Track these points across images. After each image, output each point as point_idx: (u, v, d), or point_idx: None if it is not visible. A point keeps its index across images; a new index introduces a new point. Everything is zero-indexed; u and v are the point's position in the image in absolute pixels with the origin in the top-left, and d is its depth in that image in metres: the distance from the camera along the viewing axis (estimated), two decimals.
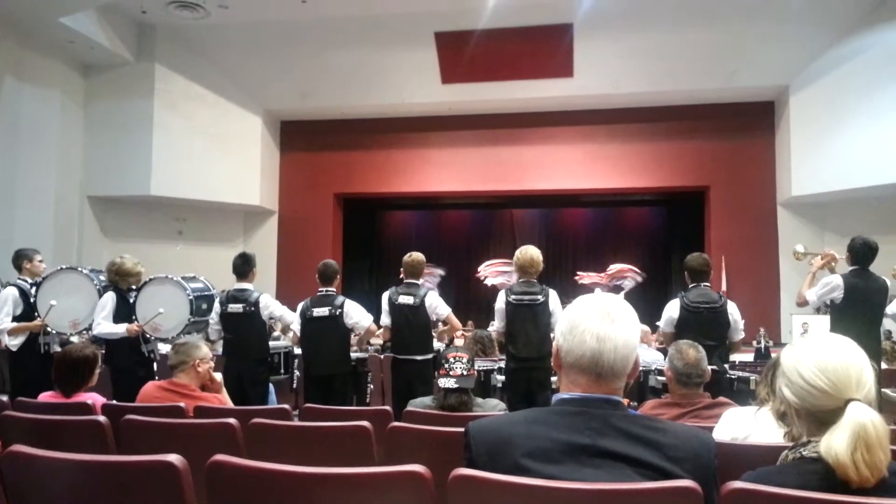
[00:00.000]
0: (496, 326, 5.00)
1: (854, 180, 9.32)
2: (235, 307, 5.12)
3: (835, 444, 1.24)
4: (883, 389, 5.21)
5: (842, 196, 9.71)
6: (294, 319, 5.23)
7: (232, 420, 2.44)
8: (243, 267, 5.28)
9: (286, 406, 3.09)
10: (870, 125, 9.13)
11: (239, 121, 11.25)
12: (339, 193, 12.28)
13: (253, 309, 5.11)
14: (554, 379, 4.81)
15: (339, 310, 5.09)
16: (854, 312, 4.71)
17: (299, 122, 12.14)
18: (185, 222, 11.23)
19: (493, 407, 3.11)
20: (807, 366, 1.36)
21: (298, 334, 5.20)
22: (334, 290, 5.26)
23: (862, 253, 4.81)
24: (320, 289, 5.22)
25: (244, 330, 5.12)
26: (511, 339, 4.86)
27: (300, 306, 5.24)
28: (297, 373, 5.82)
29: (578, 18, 9.51)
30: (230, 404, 3.56)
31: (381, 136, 11.92)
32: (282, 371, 5.80)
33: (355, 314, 5.14)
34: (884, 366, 6.06)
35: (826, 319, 5.18)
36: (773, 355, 1.83)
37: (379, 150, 11.94)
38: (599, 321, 1.41)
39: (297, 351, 5.68)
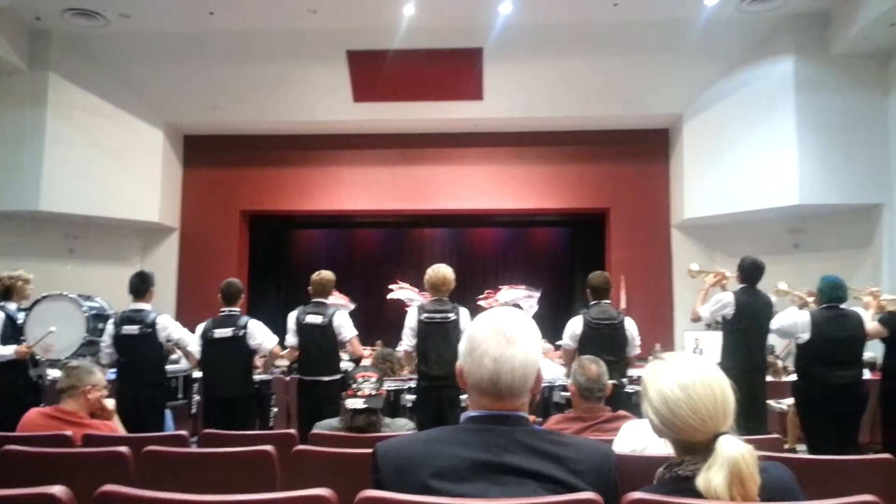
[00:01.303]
0: (404, 345, 4.97)
1: (741, 204, 9.97)
2: (131, 328, 4.85)
3: (713, 481, 1.29)
4: (768, 401, 5.55)
5: (730, 219, 10.36)
6: (194, 341, 5.02)
7: (123, 448, 2.30)
8: (140, 286, 5.03)
9: (183, 432, 2.95)
10: (754, 153, 9.81)
11: (139, 134, 10.76)
12: (246, 211, 11.95)
13: (150, 330, 4.86)
14: (464, 397, 4.83)
15: (243, 330, 4.93)
16: (744, 328, 5.00)
17: (204, 137, 11.75)
18: (77, 240, 10.59)
19: (401, 427, 3.08)
20: (673, 397, 1.38)
21: (197, 356, 4.99)
22: (238, 310, 5.10)
23: (751, 272, 5.12)
24: (223, 309, 5.05)
25: (140, 352, 4.86)
26: (423, 358, 4.85)
27: (201, 327, 5.04)
28: (196, 397, 5.58)
29: (488, 44, 9.74)
30: (122, 432, 3.36)
31: (291, 153, 11.72)
32: (180, 396, 5.54)
33: (259, 335, 4.99)
34: (769, 378, 6.46)
35: (715, 335, 5.47)
36: None
37: (288, 168, 11.73)
38: (496, 343, 1.41)
39: (197, 374, 5.45)
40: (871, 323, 4.65)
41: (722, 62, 10.08)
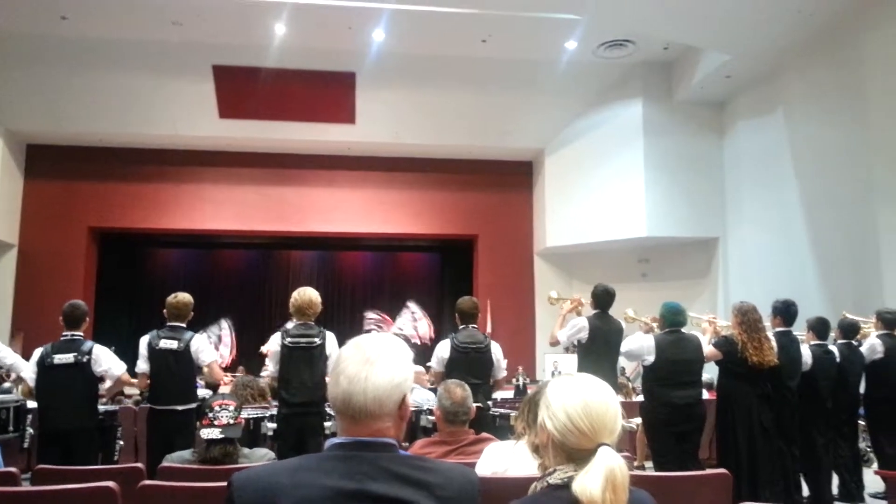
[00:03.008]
0: (269, 371, 4.80)
1: (596, 235, 10.64)
2: None
3: (588, 485, 1.37)
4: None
5: (587, 248, 11.00)
6: (28, 368, 4.56)
7: None
8: None
9: (13, 469, 2.66)
10: (607, 188, 10.53)
11: None
12: (95, 227, 11.11)
13: None
14: (328, 424, 4.72)
15: (87, 356, 4.55)
16: (597, 350, 5.28)
17: (51, 147, 10.84)
18: None
19: (261, 457, 2.96)
20: (573, 406, 1.47)
21: (32, 384, 4.54)
22: (81, 334, 4.70)
23: (602, 298, 5.43)
24: (65, 332, 4.64)
25: None
26: (285, 384, 4.69)
27: (38, 352, 4.60)
28: (30, 430, 5.06)
29: (362, 69, 9.80)
30: None
31: (149, 168, 11.08)
32: (10, 428, 5.00)
33: (106, 361, 4.62)
34: (620, 399, 6.84)
35: (572, 358, 5.74)
36: (529, 392, 1.99)
37: (145, 183, 11.08)
38: (355, 364, 1.41)
39: (32, 404, 4.95)
40: (707, 347, 5.06)
41: (580, 102, 10.77)
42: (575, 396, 1.49)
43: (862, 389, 5.69)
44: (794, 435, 5.00)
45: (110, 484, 2.13)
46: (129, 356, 4.99)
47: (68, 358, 4.51)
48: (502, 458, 2.55)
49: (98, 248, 11.40)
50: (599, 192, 10.62)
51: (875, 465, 5.69)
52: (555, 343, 5.62)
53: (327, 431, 4.68)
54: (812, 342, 5.49)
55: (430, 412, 4.88)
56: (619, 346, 5.29)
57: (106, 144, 10.84)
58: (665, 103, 10.33)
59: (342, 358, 1.44)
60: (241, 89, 9.92)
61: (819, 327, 5.56)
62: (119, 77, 9.59)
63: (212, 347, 4.95)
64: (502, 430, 4.70)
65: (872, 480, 5.43)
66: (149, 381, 4.82)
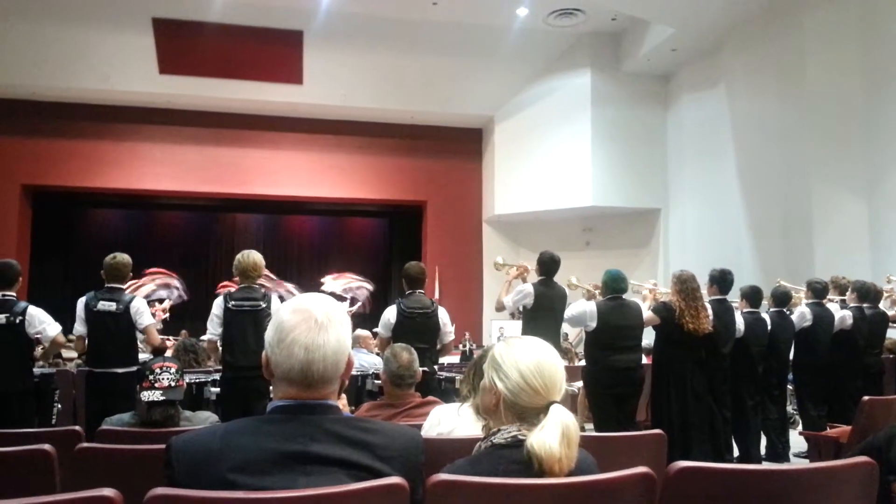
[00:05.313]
0: (210, 334, 4.72)
1: (543, 203, 10.76)
2: None
3: (548, 440, 1.41)
4: None
5: (533, 216, 11.13)
6: None
7: None
8: None
9: None
10: (555, 157, 10.63)
11: None
12: (29, 185, 10.63)
13: None
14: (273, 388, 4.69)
15: (21, 317, 4.39)
16: (542, 316, 5.38)
17: None
18: None
19: (203, 420, 2.92)
20: (527, 365, 1.51)
21: None
22: (14, 294, 4.53)
23: (548, 265, 5.52)
24: None
25: None
26: (228, 348, 4.63)
27: None
28: None
29: (310, 28, 9.53)
30: None
31: (86, 125, 10.61)
32: None
33: (40, 321, 4.48)
34: (563, 363, 7.01)
35: (517, 324, 5.83)
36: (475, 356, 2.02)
37: (82, 140, 10.62)
38: (308, 330, 1.38)
39: None
40: (646, 312, 5.22)
41: (530, 70, 10.77)
42: (528, 356, 1.53)
43: (791, 356, 5.97)
44: (726, 398, 5.22)
45: (46, 447, 2.07)
46: (65, 319, 4.84)
47: (0, 319, 4.36)
48: (448, 421, 2.58)
49: (32, 207, 10.92)
50: (547, 161, 10.71)
51: (800, 427, 6.00)
52: (501, 309, 5.70)
53: (272, 395, 4.65)
54: (745, 310, 5.71)
55: (377, 376, 4.91)
56: (563, 312, 5.40)
57: (39, 98, 10.32)
58: (612, 74, 10.42)
59: (289, 325, 1.39)
60: (183, 44, 9.55)
61: (752, 296, 5.78)
62: (53, 27, 9.10)
63: (149, 311, 4.82)
64: (447, 393, 4.77)
65: (797, 441, 5.74)
66: (86, 344, 4.69)
